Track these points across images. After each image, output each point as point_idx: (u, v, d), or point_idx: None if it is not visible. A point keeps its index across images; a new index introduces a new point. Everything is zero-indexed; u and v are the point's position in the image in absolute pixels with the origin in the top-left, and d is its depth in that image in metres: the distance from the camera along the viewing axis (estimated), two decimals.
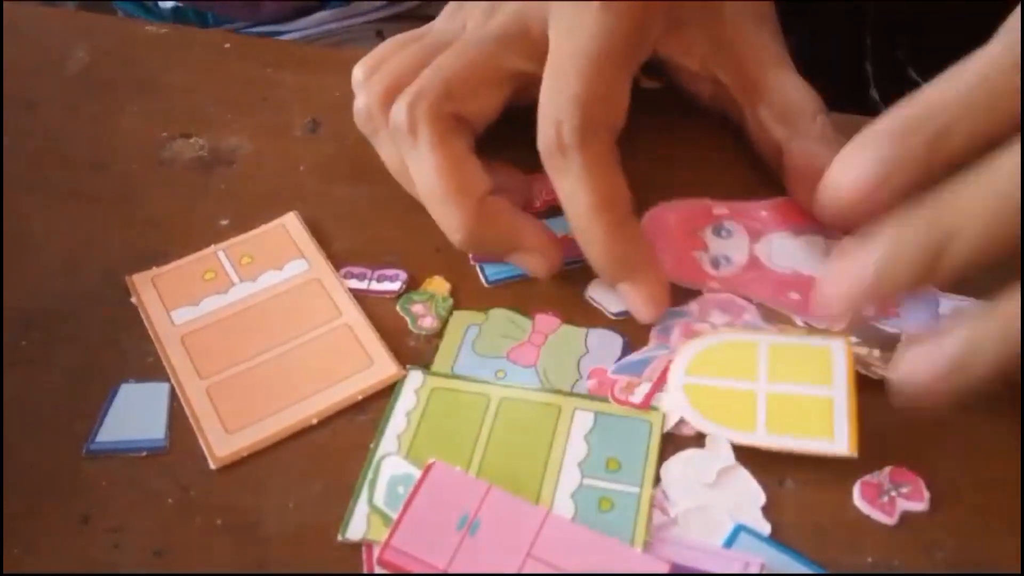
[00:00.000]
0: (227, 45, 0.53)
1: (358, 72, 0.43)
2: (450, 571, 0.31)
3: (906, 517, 0.33)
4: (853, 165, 0.33)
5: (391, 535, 0.32)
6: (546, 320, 0.39)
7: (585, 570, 0.31)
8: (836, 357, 0.35)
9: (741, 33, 0.43)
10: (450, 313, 0.39)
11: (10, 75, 0.51)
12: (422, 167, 0.39)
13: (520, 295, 0.40)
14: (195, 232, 0.42)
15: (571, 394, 0.36)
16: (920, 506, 0.33)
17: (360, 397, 0.36)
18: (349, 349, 0.38)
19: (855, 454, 0.33)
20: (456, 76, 0.39)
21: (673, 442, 0.35)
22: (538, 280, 0.40)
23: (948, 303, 0.38)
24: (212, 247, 0.42)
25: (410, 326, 0.38)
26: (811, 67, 0.44)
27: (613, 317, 0.39)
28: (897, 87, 0.43)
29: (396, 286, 0.40)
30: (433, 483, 0.33)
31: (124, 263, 0.41)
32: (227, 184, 0.45)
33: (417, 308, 0.39)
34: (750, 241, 0.41)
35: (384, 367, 0.37)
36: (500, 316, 0.39)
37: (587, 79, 0.37)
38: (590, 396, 0.36)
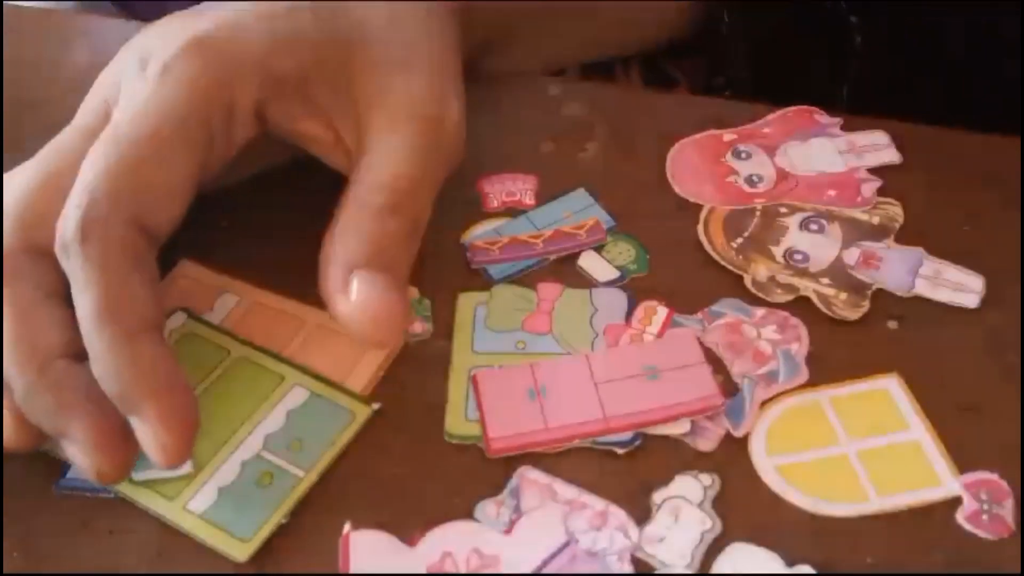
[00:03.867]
0: None
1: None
2: (550, 427, 0.35)
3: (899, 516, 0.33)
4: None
5: (485, 433, 0.35)
6: (549, 288, 0.39)
7: (645, 363, 0.36)
8: (896, 396, 0.36)
9: (371, 86, 0.36)
10: (431, 312, 0.39)
11: (8, 75, 0.51)
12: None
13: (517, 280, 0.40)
14: (192, 234, 0.42)
15: (302, 370, 0.37)
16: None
17: (382, 373, 0.37)
18: (339, 342, 0.38)
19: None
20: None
21: (684, 454, 0.35)
22: (536, 269, 0.40)
23: (931, 265, 0.39)
24: None
25: (406, 338, 0.38)
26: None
27: (600, 285, 0.40)
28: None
29: None
30: (486, 384, 0.36)
31: None
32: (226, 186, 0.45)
33: None
34: (769, 156, 0.44)
35: None
36: (504, 291, 0.39)
37: (113, 162, 0.32)
38: (316, 376, 0.36)
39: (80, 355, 0.32)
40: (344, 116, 0.36)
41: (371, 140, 0.36)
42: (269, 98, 0.36)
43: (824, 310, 0.38)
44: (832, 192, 0.42)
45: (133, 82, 0.35)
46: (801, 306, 0.38)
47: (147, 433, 0.31)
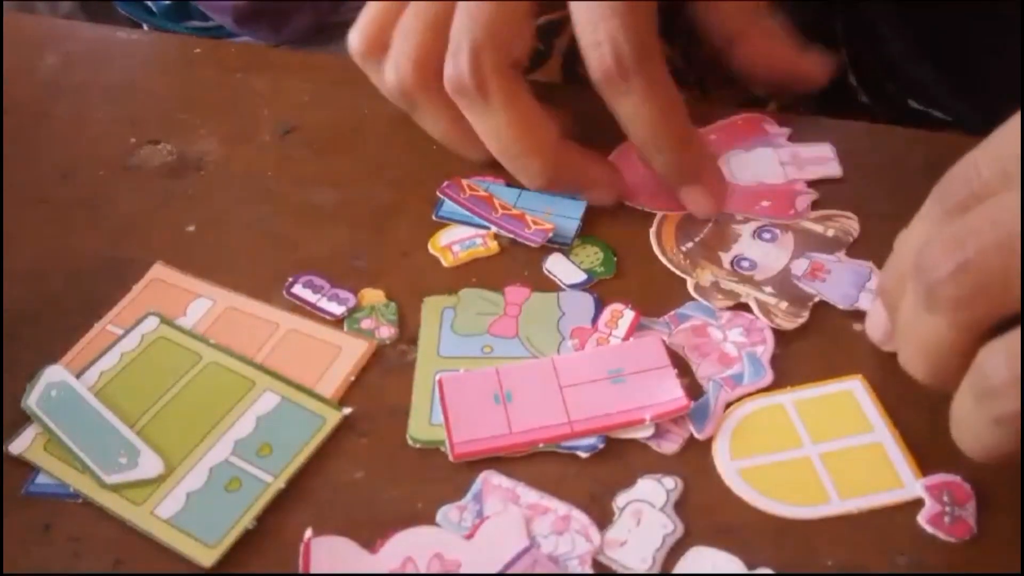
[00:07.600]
0: (197, 50, 0.53)
1: (358, 44, 0.42)
2: (514, 431, 0.35)
3: (861, 519, 0.33)
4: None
5: (450, 437, 0.35)
6: (517, 291, 0.40)
7: (611, 367, 0.36)
8: (860, 398, 0.36)
9: None
10: (397, 316, 0.39)
11: None
12: (497, 125, 0.40)
13: (484, 278, 0.40)
14: (161, 238, 0.42)
15: (274, 375, 0.37)
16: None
17: (352, 378, 0.37)
18: (311, 346, 0.38)
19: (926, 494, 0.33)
20: (499, 21, 0.39)
21: (647, 457, 0.35)
22: (496, 259, 0.41)
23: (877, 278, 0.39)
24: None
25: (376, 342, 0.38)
26: None
27: (567, 288, 0.40)
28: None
29: (340, 311, 0.39)
30: (451, 388, 0.36)
31: (90, 270, 0.41)
32: (195, 190, 0.45)
33: (367, 323, 0.39)
34: None
35: (355, 346, 0.38)
36: (471, 295, 0.40)
37: (630, 6, 0.38)
38: (288, 381, 0.37)
39: None
40: None
41: None
42: None
43: (762, 318, 0.38)
44: (766, 203, 0.42)
45: None
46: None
47: (704, 191, 0.41)
